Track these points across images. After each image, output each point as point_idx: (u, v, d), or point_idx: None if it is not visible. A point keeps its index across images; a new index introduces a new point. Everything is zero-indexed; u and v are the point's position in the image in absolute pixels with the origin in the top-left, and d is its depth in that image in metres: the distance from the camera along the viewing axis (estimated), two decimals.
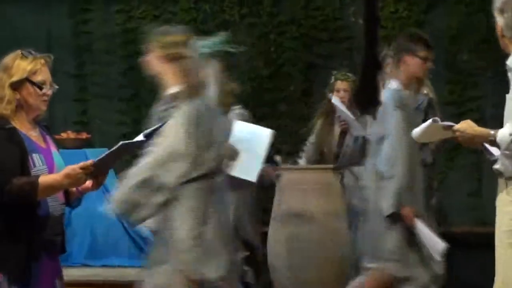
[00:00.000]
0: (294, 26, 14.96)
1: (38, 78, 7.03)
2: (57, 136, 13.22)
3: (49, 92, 7.18)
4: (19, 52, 7.17)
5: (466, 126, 7.48)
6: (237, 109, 13.46)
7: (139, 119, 15.24)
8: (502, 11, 7.39)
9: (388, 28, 13.81)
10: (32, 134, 7.06)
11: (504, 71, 11.05)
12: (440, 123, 7.64)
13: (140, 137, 7.48)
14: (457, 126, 7.50)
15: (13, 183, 6.59)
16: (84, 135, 13.45)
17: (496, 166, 7.31)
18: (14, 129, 6.92)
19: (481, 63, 14.11)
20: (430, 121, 7.75)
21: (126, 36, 15.11)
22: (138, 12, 15.10)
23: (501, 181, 7.28)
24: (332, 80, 12.03)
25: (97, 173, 7.01)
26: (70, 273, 12.09)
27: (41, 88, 7.04)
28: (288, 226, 12.37)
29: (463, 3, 14.54)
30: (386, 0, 13.94)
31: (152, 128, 7.70)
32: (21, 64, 6.98)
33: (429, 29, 14.31)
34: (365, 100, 4.13)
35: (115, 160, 7.76)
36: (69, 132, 13.49)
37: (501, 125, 8.93)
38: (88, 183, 7.04)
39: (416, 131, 8.12)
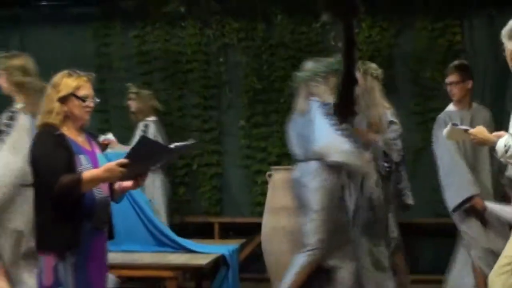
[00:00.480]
0: (283, 48, 15.11)
1: (81, 92, 7.46)
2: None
3: (91, 104, 7.60)
4: (66, 71, 7.64)
5: (477, 132, 7.87)
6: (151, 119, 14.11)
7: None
8: (510, 37, 7.86)
9: (363, 50, 14.01)
10: (79, 139, 7.46)
11: None
12: (458, 127, 8.09)
13: (172, 145, 7.78)
14: (471, 131, 7.91)
15: (60, 180, 6.90)
16: (107, 139, 13.67)
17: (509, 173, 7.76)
18: (62, 135, 7.32)
19: (440, 80, 14.32)
20: (450, 124, 8.19)
21: (141, 57, 15.30)
22: (152, 37, 15.23)
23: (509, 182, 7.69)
24: None
25: (135, 172, 7.40)
26: None
27: (84, 101, 7.47)
28: (279, 217, 12.55)
29: (427, 29, 14.67)
30: (362, 27, 14.25)
31: (184, 143, 8.15)
32: (67, 81, 7.45)
33: (398, 51, 14.70)
34: (345, 111, 4.52)
35: (151, 163, 7.94)
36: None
37: None
38: (129, 182, 7.55)
39: (444, 132, 8.54)
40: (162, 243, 12.48)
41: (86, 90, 7.64)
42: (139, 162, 7.42)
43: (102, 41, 15.62)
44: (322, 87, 10.69)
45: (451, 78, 9.78)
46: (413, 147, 14.24)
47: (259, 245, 13.07)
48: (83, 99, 7.51)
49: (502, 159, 7.51)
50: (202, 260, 11.87)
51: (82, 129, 7.64)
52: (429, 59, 14.38)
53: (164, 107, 15.40)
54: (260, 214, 12.83)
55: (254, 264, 13.72)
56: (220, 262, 12.14)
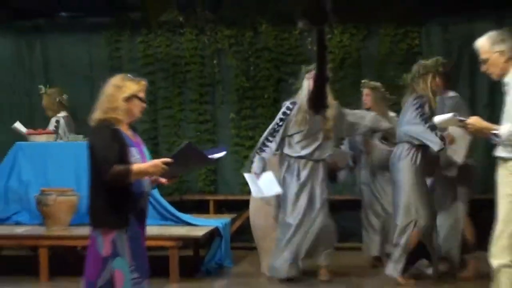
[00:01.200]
0: (267, 52, 15.06)
1: (141, 95, 7.68)
2: None
3: (145, 105, 7.86)
4: (123, 75, 7.82)
5: (475, 121, 7.78)
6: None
7: (156, 120, 15.65)
8: (494, 43, 7.85)
9: (335, 53, 14.06)
10: (129, 133, 7.57)
11: None
12: (458, 117, 8.06)
13: (211, 156, 8.01)
14: (469, 121, 7.82)
15: (114, 169, 7.18)
16: None
17: (497, 153, 7.74)
18: (118, 130, 7.48)
19: (400, 78, 14.35)
20: (451, 114, 8.13)
21: (146, 60, 15.26)
22: (155, 42, 15.18)
23: (501, 162, 7.66)
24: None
25: (172, 172, 7.65)
26: (85, 229, 12.54)
27: (143, 102, 7.72)
28: (263, 199, 12.43)
29: (390, 35, 14.65)
30: (334, 33, 14.24)
31: (220, 156, 8.24)
32: (131, 85, 7.59)
33: (365, 54, 14.72)
34: (318, 104, 4.46)
35: (189, 167, 8.81)
36: None
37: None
38: (164, 180, 7.79)
39: (439, 119, 8.47)
40: (165, 217, 12.56)
41: (143, 93, 7.89)
42: (180, 164, 7.61)
43: (114, 46, 15.57)
44: (421, 84, 11.26)
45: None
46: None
47: (247, 219, 12.99)
48: (142, 100, 7.76)
49: (506, 142, 7.49)
50: (199, 231, 11.97)
51: (129, 125, 7.74)
52: (392, 61, 14.38)
53: (166, 102, 15.44)
54: (249, 193, 12.71)
55: (243, 235, 13.75)
56: (214, 234, 12.17)
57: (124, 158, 7.38)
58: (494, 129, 7.56)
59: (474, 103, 14.21)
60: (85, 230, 12.20)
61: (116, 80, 7.75)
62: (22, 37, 16.01)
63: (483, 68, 7.97)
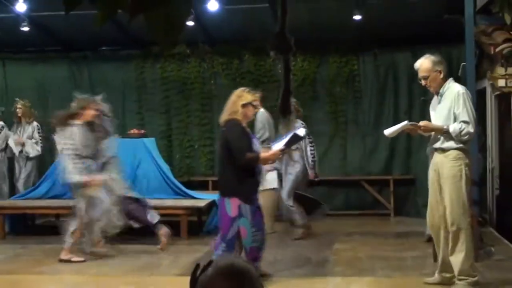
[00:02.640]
0: (249, 74, 14.95)
1: (255, 103, 8.62)
2: (129, 132, 13.55)
3: (257, 110, 9.20)
4: (243, 88, 8.93)
5: (426, 123, 7.88)
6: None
7: (170, 123, 15.53)
8: (436, 64, 7.81)
9: (297, 75, 13.94)
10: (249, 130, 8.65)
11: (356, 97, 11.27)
12: (410, 122, 8.09)
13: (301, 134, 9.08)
14: (421, 123, 7.92)
15: (247, 156, 8.12)
16: (142, 132, 13.54)
17: (437, 145, 7.73)
18: (245, 126, 8.48)
19: (345, 93, 14.22)
20: (406, 122, 8.15)
21: (163, 81, 15.17)
22: (169, 68, 15.09)
23: (440, 152, 7.67)
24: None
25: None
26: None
27: (255, 108, 8.79)
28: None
29: (336, 62, 14.55)
30: (297, 61, 14.14)
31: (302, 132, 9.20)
32: (247, 95, 8.50)
33: (319, 76, 14.64)
34: (284, 111, 4.46)
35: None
36: (134, 129, 13.64)
37: (356, 125, 9.24)
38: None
39: (390, 130, 8.36)
40: (177, 193, 12.52)
41: (257, 102, 8.89)
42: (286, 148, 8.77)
43: (140, 71, 15.46)
44: None
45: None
46: (327, 134, 14.26)
47: None
48: (255, 107, 8.72)
49: (456, 138, 7.49)
50: (201, 203, 12.02)
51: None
52: (338, 81, 14.34)
53: (177, 111, 15.35)
54: None
55: None
56: (212, 205, 12.05)
57: (251, 148, 8.25)
58: (445, 129, 7.55)
59: (397, 110, 14.19)
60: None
61: (238, 91, 8.71)
62: (74, 64, 15.88)
63: (424, 83, 7.95)
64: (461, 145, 7.51)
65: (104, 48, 16.17)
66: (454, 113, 7.53)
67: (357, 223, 12.57)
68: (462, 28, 11.21)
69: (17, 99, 14.47)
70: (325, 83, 14.53)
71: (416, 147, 13.04)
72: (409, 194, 14.28)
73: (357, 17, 13.06)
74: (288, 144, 8.76)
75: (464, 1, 10.96)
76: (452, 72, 14.14)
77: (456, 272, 7.59)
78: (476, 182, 10.89)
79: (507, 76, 10.63)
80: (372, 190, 14.22)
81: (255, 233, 8.29)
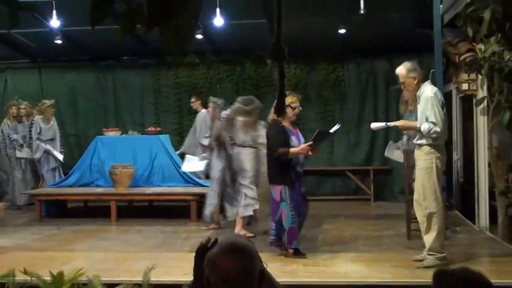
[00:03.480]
0: (250, 80, 14.93)
1: (293, 105, 8.70)
2: (147, 129, 13.54)
3: (297, 111, 8.94)
4: (288, 92, 8.56)
5: (404, 123, 8.12)
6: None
7: (182, 122, 15.46)
8: (410, 72, 7.78)
9: (291, 80, 13.96)
10: (291, 127, 8.79)
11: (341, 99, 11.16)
12: (390, 123, 8.10)
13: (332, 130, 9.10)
14: (399, 123, 8.12)
15: (278, 150, 8.41)
16: (158, 129, 13.52)
17: (415, 141, 7.75)
18: (282, 126, 8.62)
19: (332, 95, 14.19)
20: (386, 123, 8.17)
21: (176, 85, 15.16)
22: (181, 74, 15.09)
23: (417, 147, 7.70)
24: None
25: (314, 148, 8.59)
26: (153, 189, 12.49)
27: (294, 109, 8.76)
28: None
29: (325, 69, 14.52)
30: (290, 67, 14.08)
31: (335, 128, 9.12)
32: (289, 98, 8.45)
33: (310, 81, 14.62)
34: (279, 111, 4.40)
35: (321, 142, 9.28)
36: (151, 127, 13.65)
37: (342, 123, 9.18)
38: (310, 154, 8.70)
39: (375, 125, 8.53)
40: (188, 182, 12.50)
41: (295, 103, 8.82)
42: (316, 143, 8.67)
43: (155, 77, 15.47)
44: None
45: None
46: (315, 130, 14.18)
47: None
48: (293, 108, 8.76)
49: (426, 136, 7.51)
50: (205, 189, 11.83)
51: (292, 122, 8.88)
52: (326, 85, 14.33)
53: (188, 111, 15.16)
54: None
55: None
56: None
57: (287, 143, 8.50)
58: (418, 127, 7.57)
59: (376, 110, 14.20)
60: (139, 190, 12.25)
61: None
62: (100, 71, 15.85)
63: (402, 86, 7.93)
64: (432, 142, 7.51)
65: (125, 57, 16.09)
66: (425, 115, 7.52)
67: (342, 207, 12.58)
68: (431, 40, 11.18)
69: (20, 100, 14.47)
70: (315, 87, 14.50)
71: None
72: (387, 182, 14.29)
73: (342, 31, 13.04)
74: (316, 140, 8.75)
75: (433, 17, 10.97)
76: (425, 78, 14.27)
77: (427, 248, 7.60)
78: (443, 171, 10.89)
79: (469, 81, 10.63)
80: (355, 178, 14.25)
81: (294, 216, 8.37)
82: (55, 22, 11.58)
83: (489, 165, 10.21)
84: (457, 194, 12.32)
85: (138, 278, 6.84)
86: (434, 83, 11.11)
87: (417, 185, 7.72)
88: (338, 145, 14.29)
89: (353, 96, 14.54)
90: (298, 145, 8.65)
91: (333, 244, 9.17)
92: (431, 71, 12.15)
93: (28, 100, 14.46)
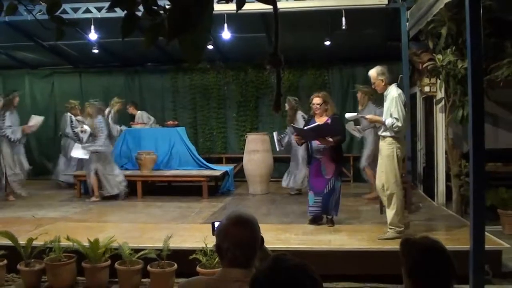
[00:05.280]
0: (251, 83, 14.94)
1: (311, 103, 8.58)
2: (166, 123, 13.50)
3: (314, 107, 8.58)
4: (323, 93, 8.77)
5: (372, 116, 7.93)
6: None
7: (195, 117, 15.46)
8: (379, 74, 7.71)
9: (285, 83, 14.01)
10: (319, 120, 8.49)
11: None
12: (360, 114, 8.03)
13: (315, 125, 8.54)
14: (368, 116, 7.96)
15: None
16: (176, 123, 13.48)
17: (379, 132, 7.72)
18: (311, 118, 8.68)
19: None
20: (357, 113, 8.10)
21: (190, 87, 15.13)
22: (195, 78, 15.09)
23: (381, 138, 7.67)
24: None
25: (304, 139, 8.54)
26: (172, 172, 12.47)
27: (313, 105, 8.55)
28: (250, 154, 12.27)
29: (312, 74, 14.67)
30: (284, 72, 14.08)
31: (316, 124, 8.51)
32: (312, 98, 8.60)
33: (301, 84, 14.58)
34: (276, 107, 4.42)
35: (308, 136, 8.59)
36: (170, 121, 13.60)
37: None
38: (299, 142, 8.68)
39: (349, 115, 8.41)
40: (200, 165, 12.53)
41: (313, 102, 8.62)
42: (303, 136, 8.54)
43: (174, 80, 15.49)
44: None
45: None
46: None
47: (242, 166, 12.86)
48: (313, 105, 8.57)
49: (389, 129, 7.41)
50: (217, 173, 12.03)
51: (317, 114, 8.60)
52: (314, 87, 14.19)
53: (201, 108, 15.36)
54: (243, 153, 12.68)
55: (239, 174, 13.56)
56: (225, 174, 12.07)
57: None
58: (383, 121, 7.49)
59: (356, 108, 14.06)
60: (160, 172, 12.24)
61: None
62: (129, 76, 15.86)
63: (373, 86, 7.79)
64: (394, 134, 7.47)
65: (149, 64, 16.12)
66: (390, 111, 7.50)
67: None
68: (399, 51, 11.21)
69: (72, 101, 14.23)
70: (304, 89, 14.44)
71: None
72: None
73: (327, 43, 13.07)
74: (298, 133, 8.75)
75: (401, 32, 10.99)
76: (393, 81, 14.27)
77: (388, 223, 7.57)
78: (409, 157, 10.91)
79: (430, 84, 10.65)
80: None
81: (311, 192, 8.62)
82: (93, 35, 11.58)
83: (446, 153, 10.27)
84: (420, 176, 12.32)
85: (159, 245, 6.88)
86: (402, 86, 11.32)
87: (380, 170, 7.63)
88: None
89: (336, 96, 14.49)
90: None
91: None
92: (400, 76, 12.17)
93: (71, 99, 14.48)
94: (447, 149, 10.15)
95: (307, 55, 14.07)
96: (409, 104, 11.33)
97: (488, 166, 9.34)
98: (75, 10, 11.37)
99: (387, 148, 7.54)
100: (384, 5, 10.76)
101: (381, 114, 7.78)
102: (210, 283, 2.74)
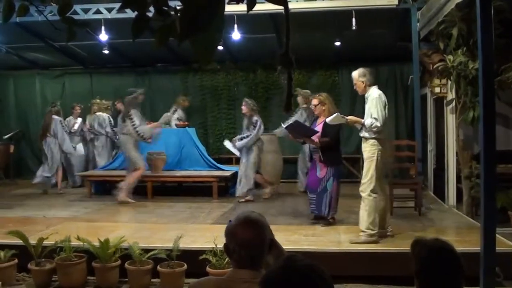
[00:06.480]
0: (261, 83, 14.97)
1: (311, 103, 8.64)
2: (177, 123, 13.49)
3: (312, 107, 8.87)
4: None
5: (352, 117, 7.78)
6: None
7: (206, 117, 15.48)
8: (360, 76, 7.71)
9: (294, 84, 13.75)
10: (319, 120, 8.63)
11: (336, 99, 11.09)
12: (340, 115, 7.94)
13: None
14: (348, 117, 7.82)
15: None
16: (186, 123, 13.43)
17: (361, 134, 7.70)
18: (316, 119, 8.82)
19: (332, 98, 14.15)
20: (338, 113, 8.00)
21: (201, 87, 15.13)
22: (205, 78, 15.09)
23: (364, 140, 7.63)
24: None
25: (295, 137, 8.99)
26: (182, 173, 12.47)
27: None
28: (264, 154, 12.31)
29: (323, 75, 14.68)
30: (295, 73, 14.08)
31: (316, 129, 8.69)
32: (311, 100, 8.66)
33: (311, 84, 14.44)
34: (287, 107, 4.40)
35: (298, 134, 8.99)
36: (180, 122, 13.63)
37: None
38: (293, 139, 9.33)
39: (329, 118, 8.22)
40: (210, 166, 12.52)
41: (312, 102, 8.88)
42: (294, 133, 8.97)
43: (184, 80, 15.52)
44: None
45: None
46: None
47: None
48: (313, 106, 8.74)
49: (369, 129, 7.41)
50: (227, 173, 11.94)
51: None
52: (323, 88, 14.16)
53: (211, 108, 15.39)
54: None
55: None
56: (235, 174, 12.02)
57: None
58: (362, 121, 7.49)
59: (364, 108, 14.16)
60: (170, 173, 12.25)
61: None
62: (139, 76, 15.90)
63: (355, 87, 7.81)
64: (375, 135, 7.44)
65: (159, 64, 16.15)
66: (370, 112, 7.47)
67: None
68: (410, 51, 11.18)
69: (97, 98, 14.53)
70: (314, 89, 14.41)
71: None
72: None
73: (337, 43, 13.07)
74: (288, 129, 9.11)
75: (411, 33, 10.95)
76: (403, 82, 14.24)
77: (360, 226, 7.51)
78: (420, 159, 10.87)
79: (441, 85, 10.60)
80: (348, 164, 14.13)
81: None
82: (103, 36, 11.63)
83: (457, 154, 10.22)
84: (431, 178, 12.28)
85: (169, 245, 6.88)
86: (412, 87, 11.34)
87: (364, 171, 7.59)
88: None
89: (346, 97, 14.47)
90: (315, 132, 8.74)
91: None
92: (410, 77, 12.23)
93: (81, 100, 14.55)
94: (458, 150, 10.11)
95: (317, 56, 14.04)
96: (420, 105, 11.34)
97: (499, 167, 9.27)
98: (86, 11, 11.43)
99: (368, 150, 7.50)
100: (395, 6, 10.75)
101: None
102: (219, 283, 2.74)
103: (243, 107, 11.47)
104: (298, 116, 11.78)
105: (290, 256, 2.06)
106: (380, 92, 7.57)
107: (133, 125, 11.17)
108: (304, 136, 8.82)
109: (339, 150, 8.81)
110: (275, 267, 2.04)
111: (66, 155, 13.34)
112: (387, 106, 7.57)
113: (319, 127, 8.75)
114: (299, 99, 12.10)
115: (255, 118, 11.32)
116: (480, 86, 5.10)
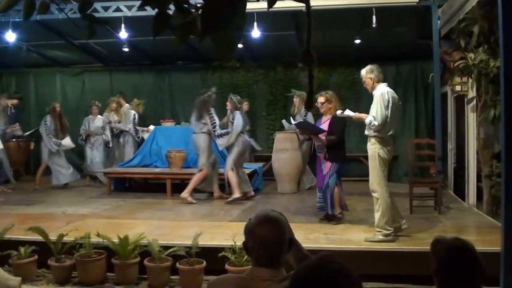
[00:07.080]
0: (281, 81, 14.99)
1: (318, 101, 8.72)
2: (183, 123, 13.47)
3: (318, 105, 8.85)
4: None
5: (356, 114, 7.83)
6: None
7: (224, 114, 15.37)
8: (368, 73, 7.69)
9: (317, 81, 13.96)
10: (324, 119, 8.79)
11: (357, 97, 11.02)
12: (349, 110, 7.95)
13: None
14: (353, 114, 7.89)
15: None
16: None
17: (366, 132, 7.68)
18: (320, 118, 8.79)
19: (349, 94, 14.06)
20: (347, 110, 8.03)
21: (220, 85, 14.93)
22: (225, 76, 15.16)
23: (368, 137, 7.61)
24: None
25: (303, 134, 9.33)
26: (189, 170, 12.47)
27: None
28: (278, 153, 12.34)
29: (344, 72, 14.65)
30: (315, 70, 14.05)
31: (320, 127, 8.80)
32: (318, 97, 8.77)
33: (331, 82, 14.53)
34: (309, 105, 4.42)
35: (306, 131, 9.43)
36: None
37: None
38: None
39: (340, 112, 8.29)
40: None
41: (318, 99, 8.82)
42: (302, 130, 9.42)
43: (203, 78, 15.55)
44: None
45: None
46: None
47: (270, 165, 12.91)
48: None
49: (368, 127, 7.49)
50: (246, 171, 11.82)
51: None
52: (343, 86, 14.28)
53: None
54: (271, 151, 12.70)
55: (268, 173, 13.52)
56: (255, 172, 12.04)
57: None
58: (364, 119, 7.53)
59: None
60: (189, 170, 12.27)
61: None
62: (159, 74, 16.00)
63: (364, 85, 7.82)
64: (377, 134, 7.45)
65: (179, 62, 16.19)
66: (371, 110, 7.49)
67: (356, 186, 12.39)
68: (430, 49, 11.12)
69: (114, 96, 14.60)
70: (334, 87, 14.38)
71: (399, 134, 12.85)
72: (393, 166, 13.97)
73: (358, 41, 13.03)
74: (298, 127, 9.42)
75: (432, 31, 10.89)
76: (424, 80, 14.15)
77: (375, 226, 7.50)
78: (440, 157, 10.81)
79: (462, 83, 10.53)
80: (367, 163, 14.09)
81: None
82: (123, 34, 11.68)
83: (477, 153, 10.15)
84: (451, 177, 12.20)
85: (188, 242, 6.90)
86: (433, 85, 11.29)
87: (370, 171, 7.61)
88: (353, 136, 14.03)
89: (366, 95, 14.31)
90: (324, 131, 8.78)
91: (348, 217, 9.09)
92: (431, 74, 12.16)
93: (101, 97, 14.61)
94: (478, 149, 10.03)
95: (337, 54, 13.98)
96: (440, 104, 11.26)
97: None
98: (106, 8, 11.49)
99: (371, 148, 7.54)
100: (415, 3, 10.70)
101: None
102: (239, 281, 2.73)
103: (228, 103, 11.49)
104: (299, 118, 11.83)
105: (323, 256, 2.06)
106: (386, 89, 7.54)
107: (213, 123, 11.10)
108: (312, 134, 8.97)
109: (344, 147, 8.97)
110: (306, 265, 2.05)
111: (52, 152, 13.20)
112: (391, 104, 7.50)
113: (324, 125, 8.82)
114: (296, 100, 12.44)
115: (235, 114, 11.19)
116: (502, 85, 5.05)
